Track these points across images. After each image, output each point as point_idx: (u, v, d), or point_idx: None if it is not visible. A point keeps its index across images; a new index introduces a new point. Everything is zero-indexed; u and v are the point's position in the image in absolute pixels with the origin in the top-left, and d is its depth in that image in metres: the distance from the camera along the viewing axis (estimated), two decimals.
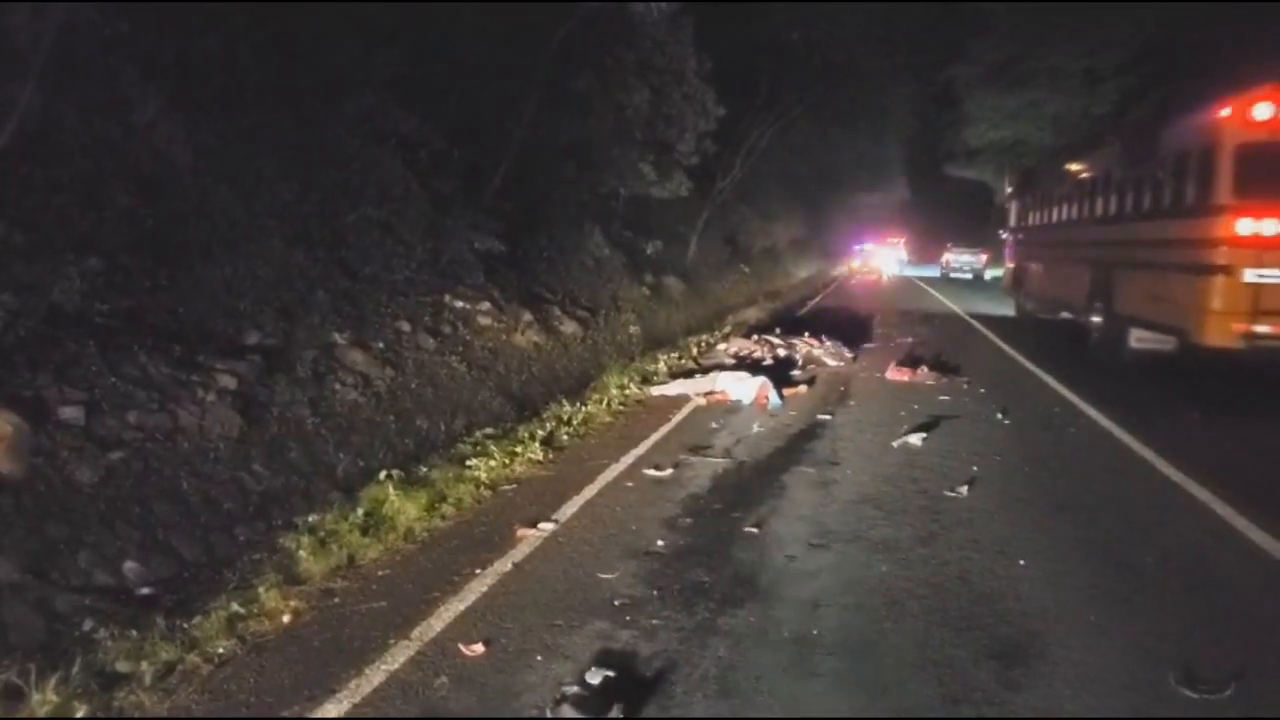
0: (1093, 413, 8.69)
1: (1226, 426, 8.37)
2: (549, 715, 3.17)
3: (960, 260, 44.46)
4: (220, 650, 3.65)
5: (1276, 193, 8.87)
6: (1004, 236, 22.08)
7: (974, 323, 18.68)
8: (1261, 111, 9.04)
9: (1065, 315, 15.42)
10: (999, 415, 8.53)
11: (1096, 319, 13.04)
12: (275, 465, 5.72)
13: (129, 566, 4.31)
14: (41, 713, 3.12)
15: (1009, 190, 23.44)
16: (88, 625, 3.72)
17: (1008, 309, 20.29)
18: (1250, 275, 8.98)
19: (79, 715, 3.14)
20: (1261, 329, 8.93)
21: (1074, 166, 15.73)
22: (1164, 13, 21.93)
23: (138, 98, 6.77)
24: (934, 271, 46.83)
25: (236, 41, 8.02)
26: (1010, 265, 21.04)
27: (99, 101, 6.56)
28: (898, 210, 60.86)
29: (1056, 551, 4.89)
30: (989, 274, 39.53)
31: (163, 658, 3.52)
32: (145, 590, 4.20)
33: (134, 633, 3.64)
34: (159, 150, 6.90)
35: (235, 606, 3.97)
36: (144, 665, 3.44)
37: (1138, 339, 11.26)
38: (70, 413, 4.89)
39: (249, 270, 7.25)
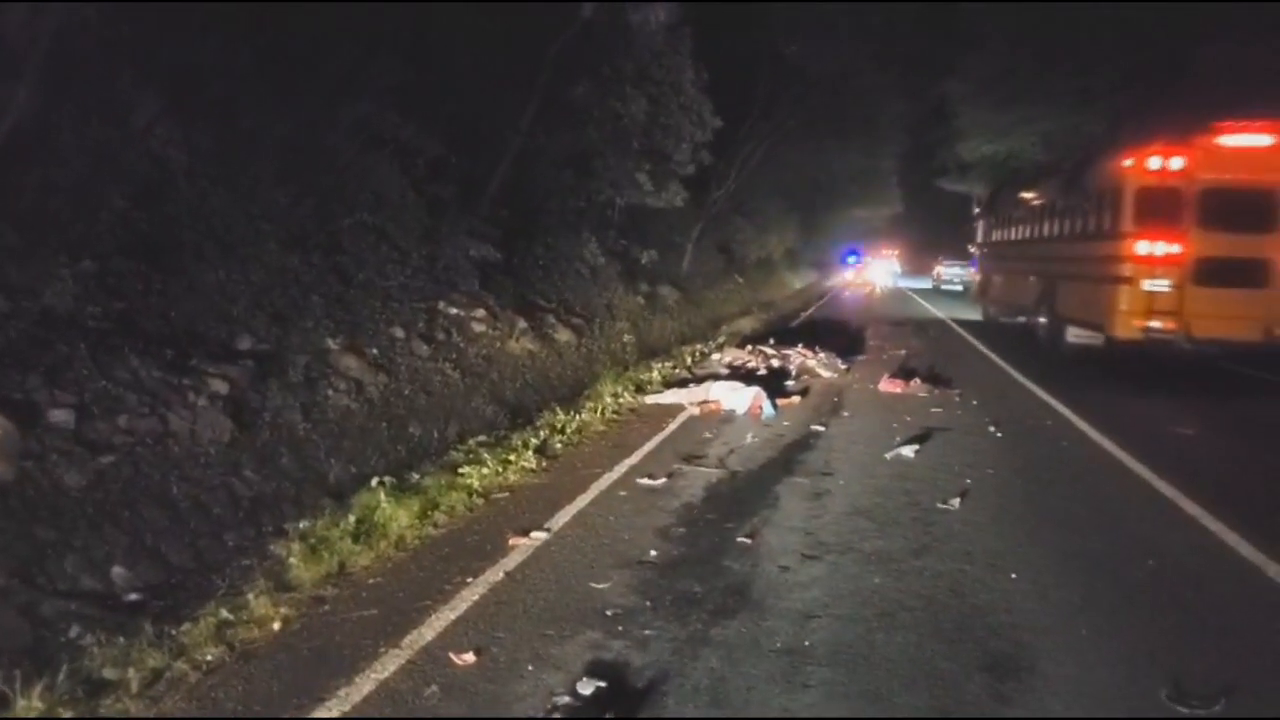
0: (1084, 426, 8.71)
1: (1219, 446, 8.45)
2: None
3: (950, 273, 45.13)
4: (209, 657, 3.62)
5: (1164, 223, 11.66)
6: (972, 251, 25.66)
7: (956, 327, 20.88)
8: (1153, 163, 11.85)
9: (1020, 319, 18.07)
10: (991, 428, 8.54)
11: (1043, 320, 15.84)
12: (266, 471, 5.69)
13: (117, 572, 4.28)
14: None
15: (976, 211, 26.34)
16: (74, 631, 3.69)
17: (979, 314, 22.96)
18: (1147, 285, 11.72)
19: None
20: (1155, 325, 11.66)
21: (1026, 195, 18.84)
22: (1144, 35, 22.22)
23: (135, 100, 6.78)
24: (926, 284, 47.18)
25: (235, 45, 8.03)
26: (978, 277, 24.36)
27: (96, 103, 6.56)
28: (891, 223, 61.04)
29: (1048, 564, 4.89)
30: None
31: (150, 665, 3.49)
32: (133, 596, 4.17)
33: (121, 639, 3.61)
34: (155, 153, 6.90)
35: (224, 613, 3.94)
36: (131, 672, 3.41)
37: (1073, 335, 13.90)
38: (60, 416, 4.87)
39: (243, 274, 7.24)
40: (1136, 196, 12.01)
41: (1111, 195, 12.77)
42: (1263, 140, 11.63)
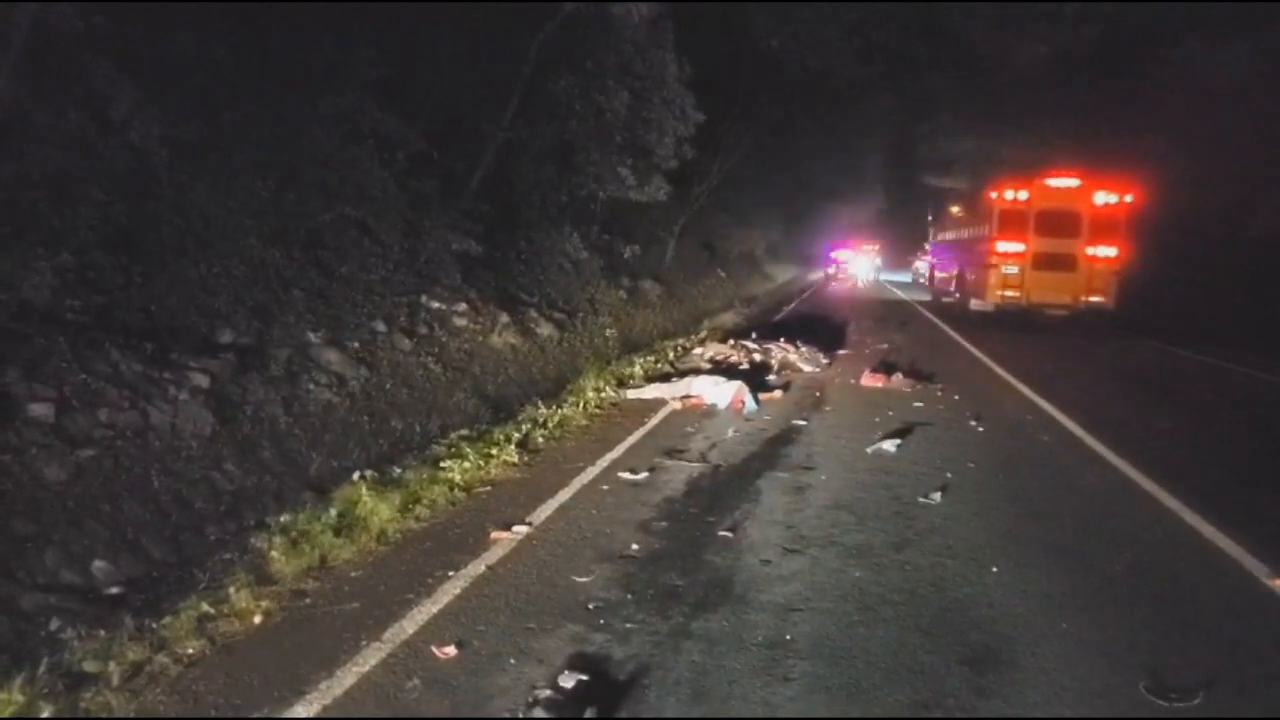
0: (1064, 419, 8.81)
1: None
2: (521, 718, 3.17)
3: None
4: (189, 651, 3.62)
5: (1014, 232, 19.02)
6: (926, 248, 35.26)
7: (916, 306, 27.65)
8: (1009, 195, 19.21)
9: (945, 299, 26.04)
10: (972, 422, 8.62)
11: (957, 295, 23.54)
12: (247, 465, 5.67)
13: (97, 565, 4.26)
14: (6, 713, 3.08)
15: (930, 219, 35.04)
16: (54, 625, 3.67)
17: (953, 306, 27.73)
18: (1004, 270, 19.13)
19: (44, 715, 3.10)
20: (1009, 294, 19.13)
21: (953, 210, 27.66)
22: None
23: (112, 93, 6.70)
24: (907, 278, 47.51)
25: (214, 38, 7.96)
26: (928, 270, 32.87)
27: (72, 96, 6.49)
28: (873, 217, 61.34)
29: (1028, 557, 4.95)
30: None
31: (130, 658, 3.48)
32: (114, 589, 4.15)
33: (102, 632, 3.61)
34: (134, 146, 6.82)
35: (205, 607, 3.94)
36: (111, 665, 3.40)
37: (974, 304, 20.71)
38: (39, 410, 4.82)
39: (224, 268, 7.19)
40: (999, 215, 19.37)
41: (985, 214, 20.31)
42: (1071, 182, 19.17)
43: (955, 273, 24.53)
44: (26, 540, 4.14)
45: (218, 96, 8.01)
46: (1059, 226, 18.83)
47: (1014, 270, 19.09)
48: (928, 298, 29.73)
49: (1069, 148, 24.59)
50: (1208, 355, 15.65)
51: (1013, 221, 19.10)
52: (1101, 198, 18.90)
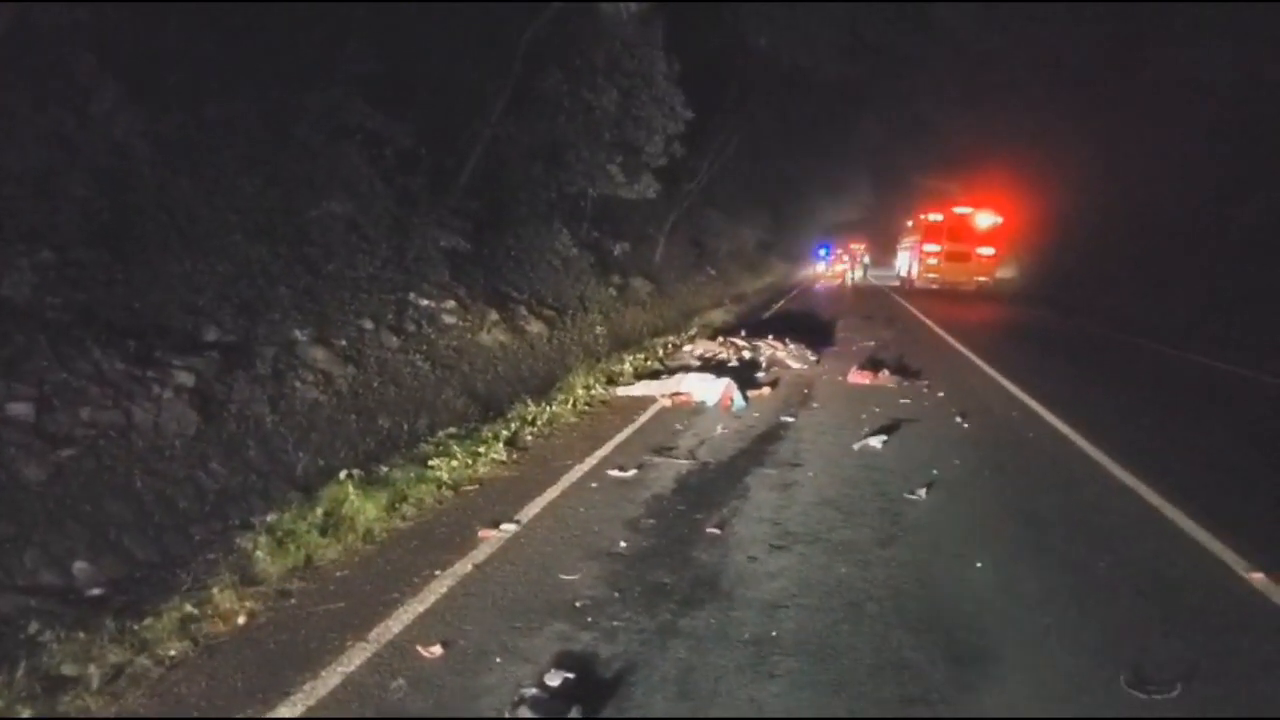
0: (1049, 416, 8.83)
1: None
2: (507, 717, 3.15)
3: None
4: (171, 652, 3.58)
5: (934, 239, 34.13)
6: (900, 251, 43.72)
7: (888, 291, 36.59)
8: (931, 216, 34.82)
9: (905, 284, 38.26)
10: (958, 419, 8.63)
11: (907, 279, 37.60)
12: (233, 464, 5.63)
13: (78, 566, 4.22)
14: None
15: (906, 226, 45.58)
16: (33, 627, 3.62)
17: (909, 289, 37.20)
18: (929, 261, 34.43)
19: (23, 717, 3.06)
20: (931, 277, 34.48)
21: (909, 223, 40.56)
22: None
23: (95, 87, 6.64)
24: (893, 275, 47.97)
25: (199, 32, 7.90)
26: (899, 267, 42.95)
27: (54, 90, 6.42)
28: (863, 215, 61.42)
29: (1012, 554, 4.96)
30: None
31: (111, 660, 3.44)
32: (95, 591, 4.11)
33: (82, 634, 3.56)
34: (116, 141, 6.76)
35: (188, 607, 3.90)
36: (91, 668, 3.36)
37: (917, 284, 35.00)
38: (19, 409, 4.78)
39: (208, 265, 7.14)
40: (924, 229, 34.69)
41: (917, 226, 36.27)
42: (967, 209, 33.25)
43: (906, 265, 39.21)
44: (5, 541, 4.09)
45: (203, 91, 7.95)
46: (960, 236, 33.18)
47: (935, 262, 34.18)
48: (897, 284, 41.23)
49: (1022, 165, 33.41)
50: (1078, 320, 23.08)
51: (933, 232, 34.20)
52: (985, 218, 33.11)
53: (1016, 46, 29.75)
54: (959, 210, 33.17)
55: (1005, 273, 34.25)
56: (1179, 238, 24.53)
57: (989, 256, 33.01)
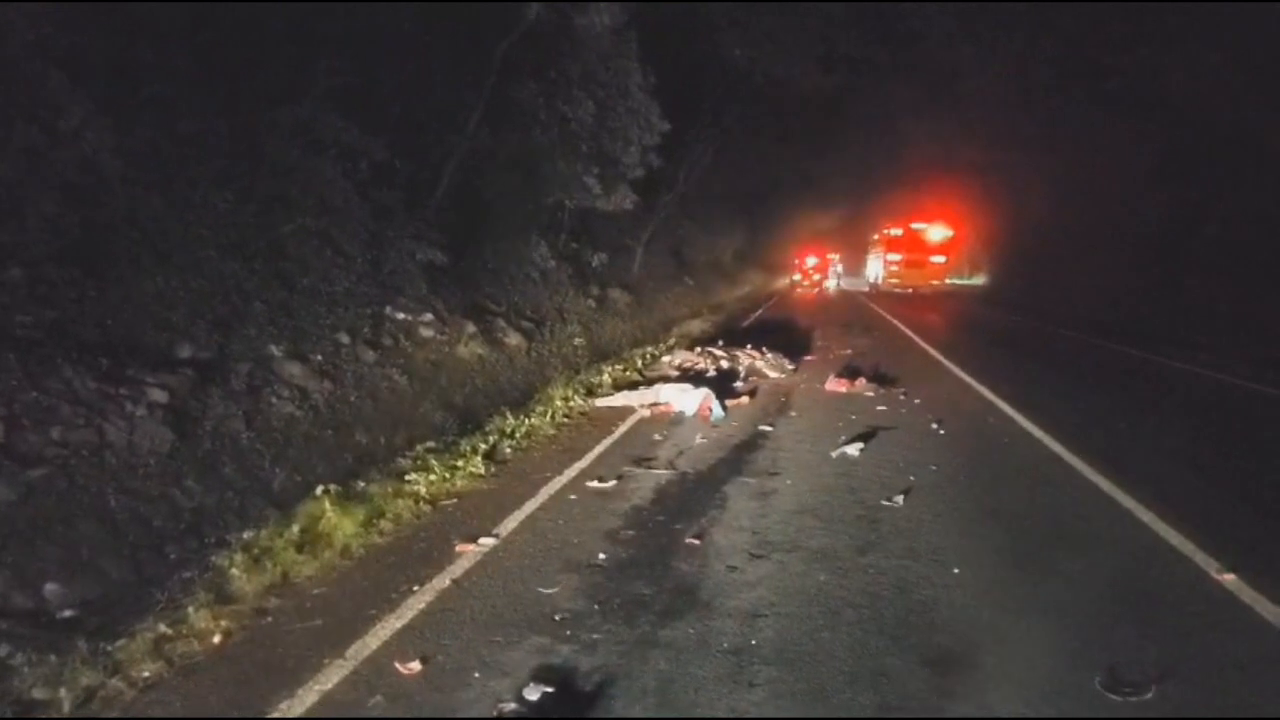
0: (1024, 422, 8.92)
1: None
2: (496, 716, 3.13)
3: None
4: (145, 674, 3.54)
5: (895, 249, 43.56)
6: (868, 260, 51.13)
7: (857, 296, 40.73)
8: (893, 231, 44.06)
9: (873, 288, 45.73)
10: (934, 425, 8.70)
11: (873, 283, 47.29)
12: (208, 481, 5.57)
13: (50, 588, 4.16)
14: None
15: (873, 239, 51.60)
16: (3, 650, 3.57)
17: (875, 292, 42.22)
18: (891, 267, 43.74)
19: None
20: (893, 281, 43.34)
21: (875, 236, 48.60)
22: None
23: (64, 102, 6.56)
24: (864, 284, 49.39)
25: (170, 46, 7.84)
26: (867, 274, 50.20)
27: (21, 105, 6.35)
28: (839, 225, 61.73)
29: (989, 559, 5.01)
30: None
31: (83, 683, 3.39)
32: (67, 612, 4.05)
33: (53, 657, 3.51)
34: (86, 157, 6.68)
35: (163, 628, 3.86)
36: (63, 692, 3.32)
37: (882, 287, 43.86)
38: None
39: (182, 281, 7.07)
40: (887, 242, 44.33)
41: (881, 239, 45.85)
42: (923, 225, 42.40)
43: (873, 271, 47.43)
44: None
45: (174, 105, 7.88)
46: (916, 247, 42.20)
47: (896, 268, 42.93)
48: (867, 290, 47.02)
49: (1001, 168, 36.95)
50: (1050, 325, 23.69)
51: (895, 244, 43.11)
52: (938, 232, 42.19)
53: (988, 56, 30.21)
54: (915, 226, 42.35)
55: (980, 279, 45.69)
56: (1147, 245, 25.08)
57: (940, 264, 43.37)
